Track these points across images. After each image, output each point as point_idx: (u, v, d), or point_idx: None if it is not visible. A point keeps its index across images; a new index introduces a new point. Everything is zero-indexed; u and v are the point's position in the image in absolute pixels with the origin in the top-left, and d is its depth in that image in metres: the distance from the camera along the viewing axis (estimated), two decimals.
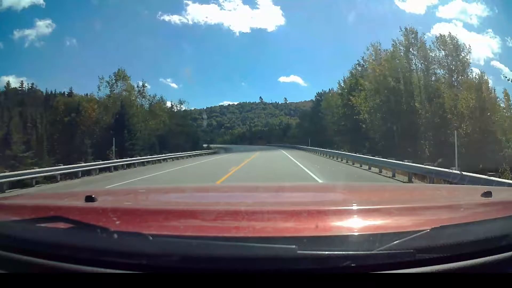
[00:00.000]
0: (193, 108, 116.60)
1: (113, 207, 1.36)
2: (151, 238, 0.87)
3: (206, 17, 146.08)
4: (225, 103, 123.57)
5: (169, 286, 0.85)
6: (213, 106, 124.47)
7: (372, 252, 0.85)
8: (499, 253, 0.92)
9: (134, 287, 0.86)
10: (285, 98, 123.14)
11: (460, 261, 0.89)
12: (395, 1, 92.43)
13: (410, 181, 12.33)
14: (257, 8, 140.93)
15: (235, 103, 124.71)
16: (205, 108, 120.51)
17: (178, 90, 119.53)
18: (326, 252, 0.85)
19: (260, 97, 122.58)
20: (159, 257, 0.87)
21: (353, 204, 1.33)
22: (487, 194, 1.34)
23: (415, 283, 0.84)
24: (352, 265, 0.84)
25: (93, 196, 1.30)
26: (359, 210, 1.19)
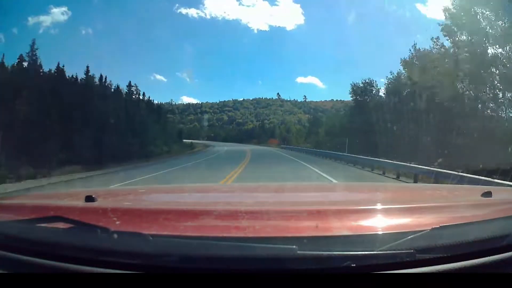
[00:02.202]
0: (205, 102, 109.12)
1: (113, 207, 1.36)
2: (151, 238, 0.87)
3: (224, 12, 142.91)
4: (240, 98, 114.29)
5: (169, 286, 0.85)
6: (226, 100, 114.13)
7: (372, 252, 0.85)
8: (499, 253, 0.92)
9: (134, 287, 0.86)
10: (305, 96, 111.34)
11: (460, 261, 0.89)
12: (416, 6, 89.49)
13: None
14: (276, 5, 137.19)
15: (250, 99, 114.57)
16: (217, 102, 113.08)
17: (193, 84, 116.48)
18: (326, 252, 0.85)
19: (278, 93, 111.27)
20: (159, 257, 0.87)
21: (353, 204, 1.33)
22: (487, 194, 1.34)
23: (415, 283, 0.84)
24: (353, 265, 0.84)
25: (93, 196, 1.30)
26: (359, 210, 1.19)
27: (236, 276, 0.84)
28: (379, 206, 1.29)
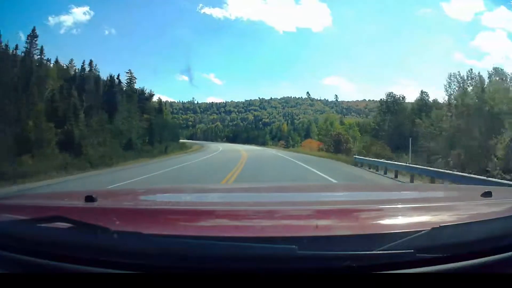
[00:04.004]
0: (230, 101, 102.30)
1: (113, 207, 1.36)
2: (151, 238, 0.87)
3: (249, 13, 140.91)
4: (267, 97, 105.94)
5: (169, 286, 0.85)
6: (252, 99, 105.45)
7: (372, 252, 0.85)
8: (499, 253, 0.92)
9: (134, 287, 0.86)
10: (336, 95, 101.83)
11: (460, 261, 0.89)
12: (441, 5, 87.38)
13: None
14: (301, 4, 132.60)
15: (278, 98, 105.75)
16: (243, 101, 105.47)
17: (222, 86, 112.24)
18: (326, 252, 0.85)
19: (307, 92, 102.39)
20: (159, 257, 0.87)
21: (353, 204, 1.33)
22: (487, 194, 1.34)
23: (415, 283, 0.84)
24: (352, 265, 0.84)
25: (93, 196, 1.30)
26: (359, 210, 1.19)
27: (236, 276, 0.84)
28: (379, 206, 1.29)
